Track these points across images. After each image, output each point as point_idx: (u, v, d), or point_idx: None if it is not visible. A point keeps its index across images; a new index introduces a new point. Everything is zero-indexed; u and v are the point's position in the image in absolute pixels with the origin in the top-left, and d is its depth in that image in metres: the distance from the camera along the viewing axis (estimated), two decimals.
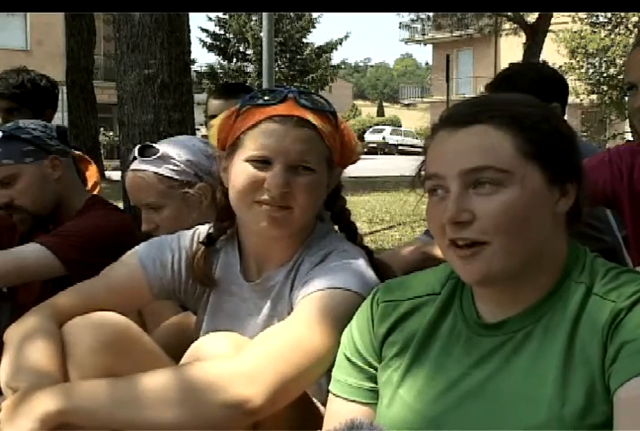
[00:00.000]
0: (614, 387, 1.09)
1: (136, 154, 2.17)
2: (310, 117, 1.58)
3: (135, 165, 2.18)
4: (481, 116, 1.19)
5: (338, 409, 1.37)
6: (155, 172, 2.14)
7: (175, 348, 1.55)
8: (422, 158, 1.29)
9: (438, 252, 2.23)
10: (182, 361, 1.51)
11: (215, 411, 1.33)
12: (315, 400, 1.62)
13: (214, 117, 1.91)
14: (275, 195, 1.54)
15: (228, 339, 1.48)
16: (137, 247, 1.76)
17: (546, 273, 1.22)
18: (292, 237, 1.65)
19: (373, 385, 1.35)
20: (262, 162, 1.56)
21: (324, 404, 1.64)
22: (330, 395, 1.39)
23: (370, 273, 1.57)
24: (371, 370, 1.35)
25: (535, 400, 1.15)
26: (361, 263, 1.59)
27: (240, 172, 1.59)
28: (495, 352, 1.22)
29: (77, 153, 2.86)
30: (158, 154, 2.14)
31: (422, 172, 1.26)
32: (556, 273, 1.22)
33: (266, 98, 1.60)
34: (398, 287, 1.38)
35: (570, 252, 1.25)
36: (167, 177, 2.14)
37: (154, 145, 2.19)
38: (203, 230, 1.78)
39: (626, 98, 2.03)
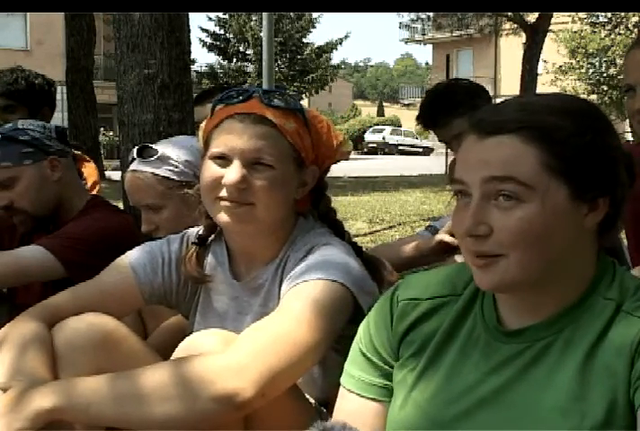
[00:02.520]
0: (638, 402, 1.08)
1: (134, 155, 2.17)
2: (270, 114, 1.60)
3: (134, 166, 2.17)
4: (510, 125, 1.15)
5: (349, 405, 1.35)
6: (154, 174, 2.14)
7: (174, 349, 1.56)
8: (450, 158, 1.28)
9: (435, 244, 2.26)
10: (172, 358, 1.52)
11: (205, 405, 1.34)
12: (307, 396, 1.62)
13: (196, 122, 1.95)
14: (232, 191, 1.57)
15: (217, 336, 1.50)
16: (128, 252, 1.78)
17: (570, 284, 1.20)
18: (274, 234, 1.67)
19: (388, 383, 1.33)
20: (221, 159, 1.59)
21: (321, 401, 1.65)
22: (342, 390, 1.37)
23: (354, 264, 1.59)
24: (387, 368, 1.33)
25: (551, 413, 1.13)
26: (344, 254, 1.60)
27: (204, 170, 1.63)
28: (513, 360, 1.20)
29: (77, 152, 2.86)
30: (157, 155, 2.14)
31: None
32: (583, 285, 1.20)
33: (232, 97, 1.63)
34: (419, 285, 1.35)
35: (599, 265, 1.22)
36: (166, 178, 2.14)
37: (152, 145, 2.19)
38: (192, 233, 1.80)
39: (625, 98, 2.03)
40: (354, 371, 1.36)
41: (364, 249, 1.77)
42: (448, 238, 2.23)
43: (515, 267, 1.14)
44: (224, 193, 1.58)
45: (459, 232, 1.18)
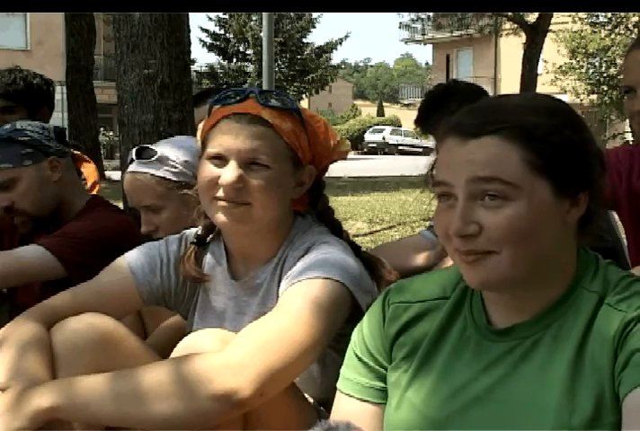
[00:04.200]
0: (623, 394, 1.09)
1: (133, 157, 2.17)
2: (266, 114, 1.60)
3: (133, 167, 2.18)
4: (490, 127, 1.17)
5: (346, 408, 1.36)
6: (153, 175, 2.14)
7: (173, 349, 1.56)
8: (430, 158, 1.27)
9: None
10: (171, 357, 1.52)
11: (204, 403, 1.34)
12: (306, 396, 1.63)
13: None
14: (228, 191, 1.58)
15: (216, 335, 1.50)
16: (126, 253, 1.78)
17: (555, 280, 1.21)
18: (272, 234, 1.68)
19: (383, 385, 1.34)
20: (218, 159, 1.60)
21: (320, 400, 1.65)
22: (338, 393, 1.39)
23: (352, 262, 1.60)
24: (381, 370, 1.34)
25: (542, 408, 1.15)
26: (342, 253, 1.61)
27: (201, 170, 1.63)
28: (504, 358, 1.22)
29: (76, 152, 2.85)
30: (156, 156, 2.14)
31: (434, 172, 1.25)
32: (566, 280, 1.21)
33: (229, 97, 1.63)
34: (410, 289, 1.37)
35: (580, 259, 1.23)
36: (165, 179, 2.14)
37: (151, 146, 2.19)
38: (191, 233, 1.80)
39: (625, 99, 2.03)
40: (350, 374, 1.37)
41: (364, 249, 1.78)
42: None
43: (505, 263, 1.16)
44: (220, 193, 1.59)
45: (445, 232, 1.20)
